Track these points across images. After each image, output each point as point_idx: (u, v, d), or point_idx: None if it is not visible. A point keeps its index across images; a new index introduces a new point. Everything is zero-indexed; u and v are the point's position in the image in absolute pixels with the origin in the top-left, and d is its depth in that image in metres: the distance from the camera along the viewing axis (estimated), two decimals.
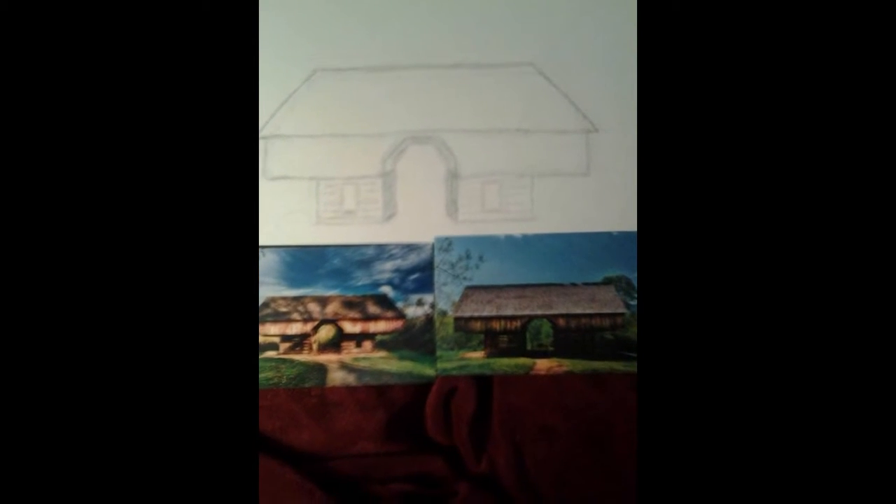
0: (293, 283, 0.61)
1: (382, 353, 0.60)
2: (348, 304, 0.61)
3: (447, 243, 0.61)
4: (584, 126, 0.61)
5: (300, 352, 0.60)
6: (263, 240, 0.60)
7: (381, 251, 0.61)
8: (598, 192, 0.61)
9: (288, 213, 0.61)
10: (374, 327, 0.60)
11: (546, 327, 0.61)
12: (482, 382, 0.60)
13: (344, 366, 0.60)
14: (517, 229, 0.61)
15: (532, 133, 0.61)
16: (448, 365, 0.60)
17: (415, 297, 0.60)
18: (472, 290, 0.61)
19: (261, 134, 0.61)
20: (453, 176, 0.62)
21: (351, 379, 0.60)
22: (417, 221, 0.62)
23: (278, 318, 0.60)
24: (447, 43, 0.62)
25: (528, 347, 0.61)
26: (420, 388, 0.60)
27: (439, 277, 0.61)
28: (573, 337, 0.61)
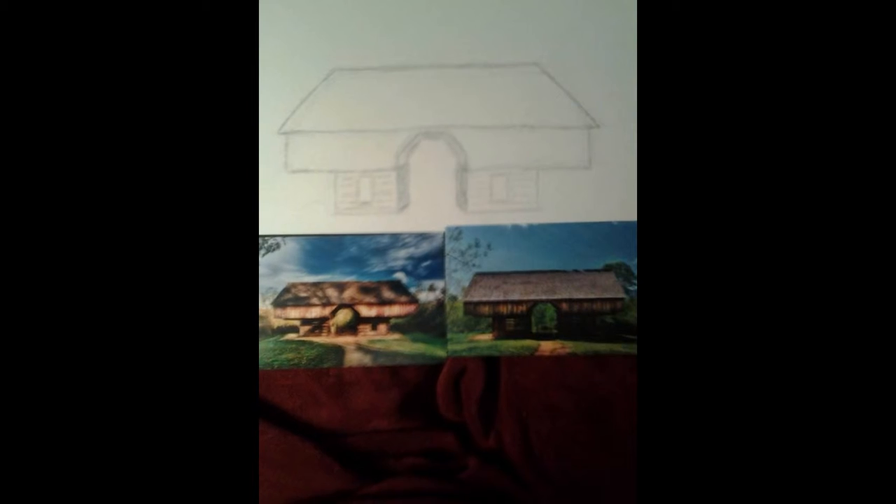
0: (313, 269, 0.62)
1: (396, 336, 0.61)
2: (364, 290, 0.61)
3: (457, 232, 0.62)
4: (586, 122, 0.62)
5: (319, 334, 0.61)
6: (284, 229, 0.61)
7: (395, 240, 0.62)
8: (599, 185, 0.61)
9: (308, 204, 0.62)
10: (388, 311, 0.61)
11: (550, 311, 0.62)
12: (490, 363, 0.61)
13: (360, 347, 0.61)
14: (523, 219, 0.62)
15: (537, 129, 0.62)
16: (458, 347, 0.61)
17: (427, 283, 0.61)
18: (480, 276, 0.62)
19: (282, 129, 0.62)
20: (463, 169, 0.62)
21: (367, 360, 0.61)
22: (429, 212, 0.62)
23: (299, 302, 0.61)
24: (457, 44, 0.63)
25: (534, 330, 0.62)
26: (432, 368, 0.61)
27: (450, 264, 0.62)
28: (576, 320, 0.61)
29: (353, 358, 0.61)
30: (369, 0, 0.63)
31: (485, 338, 0.62)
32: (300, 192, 0.62)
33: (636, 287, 0.61)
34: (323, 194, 0.62)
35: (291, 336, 0.61)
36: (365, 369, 0.61)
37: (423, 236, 0.62)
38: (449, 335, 0.61)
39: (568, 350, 0.61)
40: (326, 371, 0.61)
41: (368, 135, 0.62)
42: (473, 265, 0.62)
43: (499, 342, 0.62)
